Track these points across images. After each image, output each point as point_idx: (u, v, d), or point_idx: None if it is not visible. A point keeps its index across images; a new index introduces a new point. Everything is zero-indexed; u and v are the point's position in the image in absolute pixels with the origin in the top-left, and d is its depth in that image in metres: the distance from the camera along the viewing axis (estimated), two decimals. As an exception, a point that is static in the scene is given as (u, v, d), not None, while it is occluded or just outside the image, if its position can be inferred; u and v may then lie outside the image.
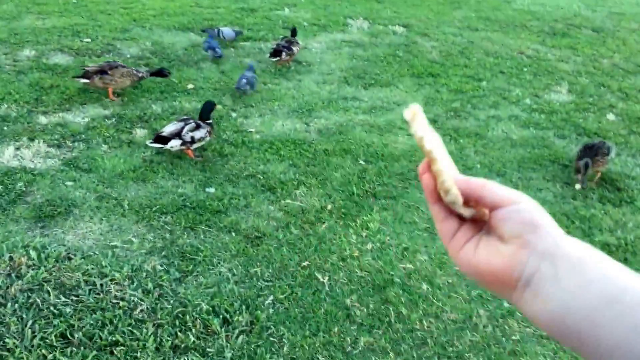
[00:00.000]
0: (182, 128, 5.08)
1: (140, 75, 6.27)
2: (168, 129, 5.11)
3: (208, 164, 5.20)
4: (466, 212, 0.76)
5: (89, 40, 7.95)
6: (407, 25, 10.46)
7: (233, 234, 4.30)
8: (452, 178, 0.75)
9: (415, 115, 0.77)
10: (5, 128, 5.46)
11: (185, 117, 5.38)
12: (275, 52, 7.62)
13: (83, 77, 6.04)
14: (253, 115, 6.22)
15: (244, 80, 6.63)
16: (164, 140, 5.04)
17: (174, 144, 5.04)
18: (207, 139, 5.28)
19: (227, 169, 5.15)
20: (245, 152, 5.47)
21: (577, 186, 5.38)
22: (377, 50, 8.84)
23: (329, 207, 4.75)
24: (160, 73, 6.46)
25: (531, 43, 10.18)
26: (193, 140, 5.11)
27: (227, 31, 8.23)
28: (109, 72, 6.00)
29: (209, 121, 5.31)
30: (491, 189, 0.73)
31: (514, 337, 3.64)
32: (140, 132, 5.60)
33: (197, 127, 5.16)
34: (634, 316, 0.60)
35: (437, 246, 4.38)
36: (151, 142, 5.08)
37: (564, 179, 5.59)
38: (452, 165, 0.77)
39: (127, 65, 6.39)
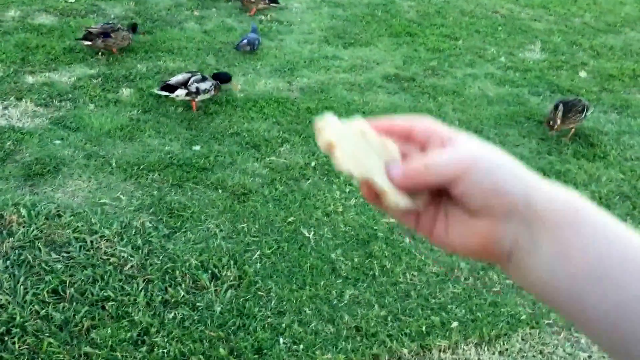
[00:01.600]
0: (189, 79, 5.19)
1: (132, 37, 6.38)
2: (175, 78, 5.24)
3: (193, 122, 5.24)
4: (421, 205, 0.69)
5: (73, 0, 7.85)
6: (384, -15, 10.44)
7: (220, 190, 4.36)
8: (396, 186, 0.67)
9: (333, 144, 0.66)
10: (-8, 88, 5.45)
11: (193, 70, 5.55)
12: None
13: (85, 39, 6.08)
14: (236, 75, 6.21)
15: (245, 41, 6.70)
16: (171, 88, 5.16)
17: (180, 92, 5.15)
18: (212, 93, 5.40)
19: (212, 127, 5.19)
20: (230, 110, 5.51)
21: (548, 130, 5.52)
22: (356, 10, 8.81)
23: (313, 163, 4.82)
24: (133, 29, 6.55)
25: (505, 2, 10.19)
26: (198, 92, 5.22)
27: None
28: (112, 35, 6.08)
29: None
30: (434, 168, 0.65)
31: (494, 289, 3.76)
32: (126, 92, 5.61)
33: (203, 79, 5.28)
34: (618, 290, 0.59)
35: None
36: (158, 90, 5.21)
37: (539, 134, 5.72)
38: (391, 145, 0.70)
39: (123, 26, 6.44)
